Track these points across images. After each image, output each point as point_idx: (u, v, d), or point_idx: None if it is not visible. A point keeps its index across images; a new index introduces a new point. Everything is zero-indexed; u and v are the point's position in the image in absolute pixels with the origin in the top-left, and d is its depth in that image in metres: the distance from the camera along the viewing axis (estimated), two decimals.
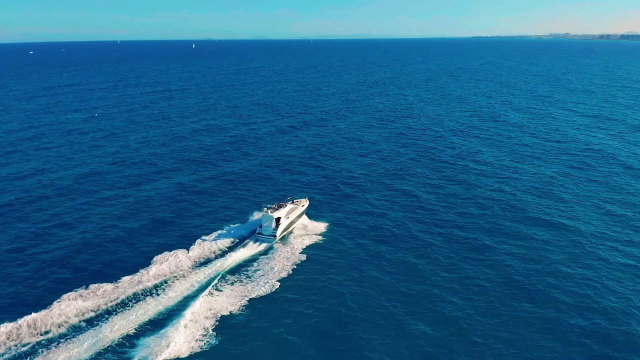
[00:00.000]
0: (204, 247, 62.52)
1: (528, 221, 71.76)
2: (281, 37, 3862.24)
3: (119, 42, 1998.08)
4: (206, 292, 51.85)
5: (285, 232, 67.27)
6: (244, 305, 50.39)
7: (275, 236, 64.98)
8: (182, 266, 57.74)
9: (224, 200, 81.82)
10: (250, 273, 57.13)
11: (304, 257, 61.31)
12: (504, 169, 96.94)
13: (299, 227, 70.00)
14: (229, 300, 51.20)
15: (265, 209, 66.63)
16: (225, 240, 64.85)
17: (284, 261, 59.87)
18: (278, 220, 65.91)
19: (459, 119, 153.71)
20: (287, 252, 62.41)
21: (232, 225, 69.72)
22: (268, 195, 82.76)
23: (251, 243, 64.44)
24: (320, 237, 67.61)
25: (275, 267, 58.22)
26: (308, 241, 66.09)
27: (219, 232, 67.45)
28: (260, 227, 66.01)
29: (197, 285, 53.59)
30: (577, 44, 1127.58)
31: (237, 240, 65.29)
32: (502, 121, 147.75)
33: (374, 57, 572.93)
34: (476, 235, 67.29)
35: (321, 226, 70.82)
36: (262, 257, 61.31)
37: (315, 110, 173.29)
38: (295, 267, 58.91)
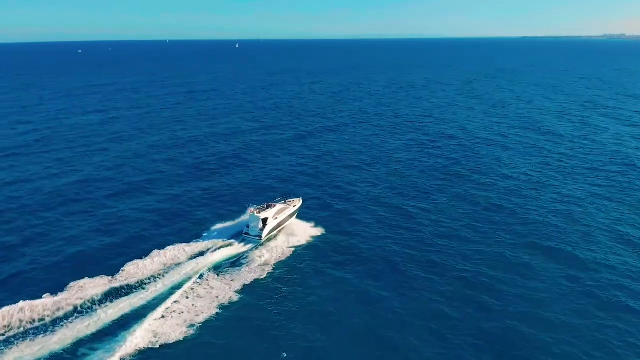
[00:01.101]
0: (186, 247, 62.97)
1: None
2: (330, 37, 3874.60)
3: (168, 41, 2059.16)
4: (181, 290, 52.51)
5: (273, 233, 67.04)
6: (218, 305, 50.96)
7: (261, 237, 64.84)
8: (162, 264, 58.60)
9: (217, 200, 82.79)
10: (228, 273, 57.39)
11: (284, 259, 61.38)
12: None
13: (288, 228, 69.68)
14: (199, 300, 51.61)
15: (252, 209, 66.54)
16: (211, 241, 65.15)
17: (263, 263, 59.88)
18: (265, 221, 65.84)
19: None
20: (269, 253, 62.29)
21: (219, 226, 70.10)
22: (266, 195, 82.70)
23: (237, 243, 64.63)
24: (308, 239, 67.34)
25: (254, 268, 58.30)
26: (294, 243, 65.87)
27: (206, 232, 68.16)
28: (248, 227, 66.23)
29: (170, 285, 54.03)
30: (633, 45, 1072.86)
31: (223, 241, 65.48)
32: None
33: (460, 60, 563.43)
34: (479, 270, 59.48)
35: (311, 228, 70.40)
36: (245, 257, 61.45)
37: (338, 115, 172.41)
38: (272, 269, 58.92)
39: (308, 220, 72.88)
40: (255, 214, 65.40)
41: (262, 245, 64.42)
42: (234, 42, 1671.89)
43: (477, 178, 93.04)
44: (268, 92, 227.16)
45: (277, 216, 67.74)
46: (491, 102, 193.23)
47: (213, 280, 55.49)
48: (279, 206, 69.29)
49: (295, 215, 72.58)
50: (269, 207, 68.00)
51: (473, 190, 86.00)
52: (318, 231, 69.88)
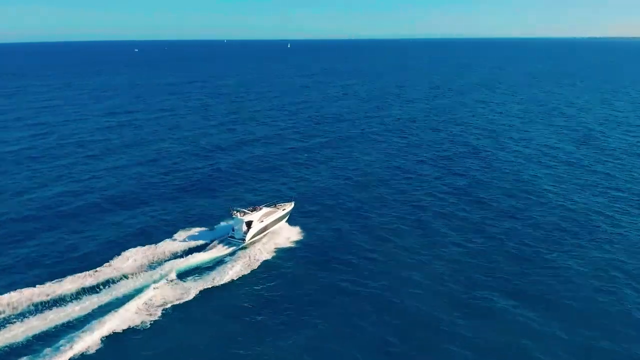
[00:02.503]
0: (167, 246, 64.37)
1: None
2: (381, 37, 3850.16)
3: (225, 41, 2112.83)
4: (151, 288, 53.79)
5: (258, 237, 67.27)
6: (184, 301, 52.33)
7: (244, 240, 65.28)
8: (140, 263, 60.07)
9: (207, 201, 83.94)
10: (202, 274, 58.12)
11: (261, 262, 61.55)
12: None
13: (275, 231, 69.76)
14: (170, 295, 53.19)
15: (235, 212, 66.61)
16: (194, 241, 66.08)
17: (240, 266, 60.08)
18: (250, 224, 66.19)
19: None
20: (250, 257, 62.39)
21: (204, 228, 70.73)
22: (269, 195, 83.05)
23: (220, 246, 65.24)
24: (290, 244, 67.44)
25: (229, 271, 58.54)
26: (274, 247, 66.05)
27: (190, 233, 68.92)
28: (233, 230, 66.86)
29: (141, 285, 54.90)
30: None
31: (206, 242, 66.26)
32: None
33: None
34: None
35: (296, 234, 70.37)
36: (225, 260, 61.92)
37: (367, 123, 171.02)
38: (248, 272, 59.23)
39: (299, 224, 72.79)
40: (239, 217, 65.74)
41: (244, 248, 64.69)
42: (285, 41, 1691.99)
43: (480, 191, 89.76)
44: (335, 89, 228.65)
45: (263, 219, 67.86)
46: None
47: (186, 281, 56.32)
48: (265, 209, 69.26)
49: (285, 219, 72.52)
50: (254, 210, 68.10)
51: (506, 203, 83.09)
52: (302, 236, 69.69)
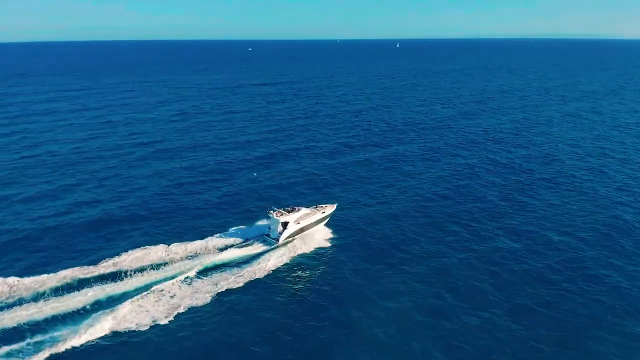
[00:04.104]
0: (209, 241, 68.18)
1: None
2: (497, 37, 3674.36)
3: (339, 41, 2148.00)
4: (176, 280, 57.75)
5: (294, 237, 68.87)
6: (208, 299, 55.06)
7: (278, 240, 67.37)
8: (180, 255, 64.49)
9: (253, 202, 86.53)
10: (233, 269, 61.22)
11: (288, 264, 63.39)
12: None
13: (310, 233, 70.92)
14: (194, 292, 56.31)
15: (272, 212, 68.75)
16: (232, 238, 69.37)
17: (269, 263, 62.50)
18: (285, 224, 68.05)
19: None
20: (280, 257, 64.46)
21: (243, 226, 73.81)
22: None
23: (256, 244, 67.97)
24: (322, 247, 68.48)
25: (256, 270, 61.06)
26: (306, 249, 67.35)
27: (229, 230, 72.39)
28: (269, 229, 69.37)
29: (171, 275, 59.31)
30: None
31: (243, 240, 69.16)
32: None
33: None
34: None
35: (330, 237, 71.35)
36: (256, 258, 64.35)
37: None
38: (275, 272, 61.35)
39: (335, 228, 73.79)
40: (275, 217, 67.84)
41: (278, 248, 66.77)
42: (394, 41, 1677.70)
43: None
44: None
45: (300, 221, 69.31)
46: None
47: (216, 275, 59.81)
48: (303, 211, 70.63)
49: (324, 221, 73.49)
50: (292, 210, 69.87)
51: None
52: (335, 240, 70.30)
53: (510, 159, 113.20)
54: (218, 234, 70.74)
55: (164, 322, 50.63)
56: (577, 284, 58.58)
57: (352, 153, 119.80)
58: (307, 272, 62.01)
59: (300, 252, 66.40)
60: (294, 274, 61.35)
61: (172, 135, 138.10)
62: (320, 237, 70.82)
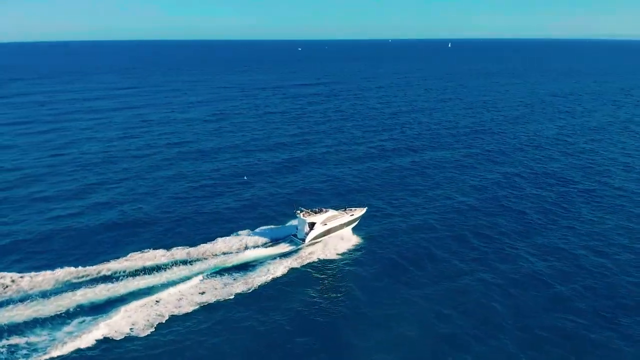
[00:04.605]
0: (233, 240, 68.04)
1: None
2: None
3: (390, 40, 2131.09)
4: (197, 278, 57.97)
5: (320, 239, 68.17)
6: (224, 298, 55.04)
7: (304, 240, 66.89)
8: (199, 253, 64.56)
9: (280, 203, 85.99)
10: (256, 268, 61.12)
11: (310, 264, 63.15)
12: None
13: (339, 235, 69.85)
14: (214, 289, 56.53)
15: (299, 212, 68.25)
16: (258, 237, 68.91)
17: (291, 264, 62.42)
18: (312, 225, 67.49)
19: None
20: (303, 258, 64.30)
21: (271, 226, 73.50)
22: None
23: (282, 244, 67.75)
24: (340, 256, 66.40)
25: (278, 270, 60.80)
26: (332, 252, 66.45)
27: (258, 229, 72.02)
28: (297, 229, 69.13)
29: (197, 271, 59.81)
30: None
31: (270, 239, 68.75)
32: None
33: None
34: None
35: (356, 241, 70.28)
36: (281, 258, 64.04)
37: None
38: (292, 271, 61.09)
39: (363, 232, 72.53)
40: (302, 217, 67.31)
41: (303, 248, 66.46)
42: (446, 41, 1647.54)
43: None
44: None
45: (327, 222, 68.66)
46: None
47: (234, 274, 59.78)
48: (331, 212, 69.86)
49: (352, 225, 72.24)
50: (319, 212, 69.19)
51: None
52: (351, 250, 68.23)
53: (551, 168, 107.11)
54: (245, 233, 70.83)
55: (185, 312, 52.01)
56: (608, 316, 52.99)
57: (384, 157, 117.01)
58: (313, 283, 59.91)
59: (312, 259, 64.73)
60: (299, 282, 59.58)
61: (204, 135, 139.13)
62: (340, 243, 68.90)
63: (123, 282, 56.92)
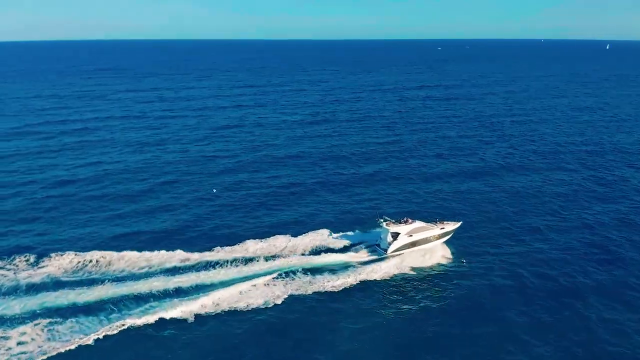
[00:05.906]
0: (316, 239, 71.35)
1: None
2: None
3: (542, 40, 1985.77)
4: (264, 279, 61.20)
5: (404, 251, 66.95)
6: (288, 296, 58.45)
7: (386, 250, 66.34)
8: (292, 248, 69.01)
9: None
10: (325, 273, 62.86)
11: (387, 277, 62.67)
12: None
13: (427, 249, 68.53)
14: (295, 285, 60.40)
15: (383, 221, 67.38)
16: (344, 240, 70.88)
17: (362, 276, 62.11)
18: (396, 235, 66.54)
19: None
20: (380, 270, 63.64)
21: (358, 232, 74.51)
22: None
23: (363, 251, 68.16)
24: (432, 266, 65.74)
25: (349, 279, 61.43)
26: (416, 265, 65.31)
27: (346, 232, 73.85)
28: (380, 238, 68.78)
29: (277, 267, 63.65)
30: None
31: (352, 244, 70.16)
32: None
33: None
34: None
35: (445, 257, 68.18)
36: (358, 266, 64.71)
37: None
38: (362, 285, 61.08)
39: (456, 248, 70.44)
40: (385, 226, 66.66)
41: (385, 258, 65.95)
42: (604, 42, 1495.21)
43: None
44: None
45: (413, 234, 66.98)
46: None
47: (310, 276, 62.27)
48: (418, 224, 67.91)
49: (443, 239, 70.03)
50: (405, 222, 67.66)
51: None
52: (451, 263, 66.69)
53: None
54: (332, 236, 72.67)
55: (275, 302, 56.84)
56: None
57: (502, 175, 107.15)
58: (403, 296, 59.68)
59: (402, 270, 64.37)
60: (394, 291, 60.34)
61: (289, 140, 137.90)
62: (435, 256, 67.91)
63: (213, 272, 62.44)
